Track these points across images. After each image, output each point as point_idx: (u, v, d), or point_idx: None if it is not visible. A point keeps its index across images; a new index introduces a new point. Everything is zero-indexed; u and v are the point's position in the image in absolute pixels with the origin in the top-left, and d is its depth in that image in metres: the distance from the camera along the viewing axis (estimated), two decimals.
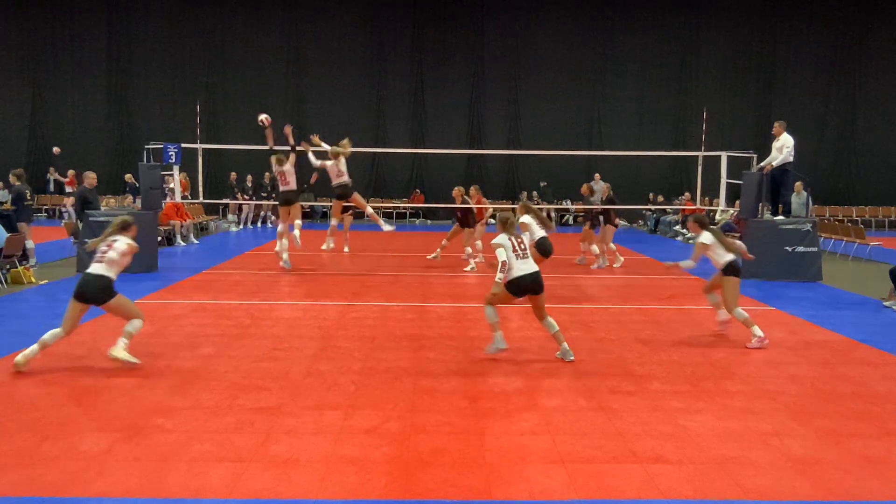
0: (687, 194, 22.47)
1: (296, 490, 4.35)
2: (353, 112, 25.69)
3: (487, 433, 5.27)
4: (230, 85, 25.56)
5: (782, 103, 25.21)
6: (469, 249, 13.78)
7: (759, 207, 13.13)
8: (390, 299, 10.41)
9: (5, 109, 25.45)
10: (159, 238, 15.15)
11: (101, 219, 12.40)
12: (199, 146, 15.65)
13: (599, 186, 22.07)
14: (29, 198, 13.03)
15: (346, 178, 13.17)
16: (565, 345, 7.28)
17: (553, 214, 25.21)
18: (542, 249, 10.28)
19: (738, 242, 8.54)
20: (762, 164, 13.25)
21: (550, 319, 7.26)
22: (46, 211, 24.94)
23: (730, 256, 7.98)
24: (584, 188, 14.73)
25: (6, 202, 12.66)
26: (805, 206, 15.61)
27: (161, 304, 9.80)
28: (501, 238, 7.14)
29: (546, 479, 4.54)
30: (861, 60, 25.62)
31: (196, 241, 17.80)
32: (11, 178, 13.18)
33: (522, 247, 7.18)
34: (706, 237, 8.02)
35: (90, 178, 13.35)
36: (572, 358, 7.21)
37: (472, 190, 14.37)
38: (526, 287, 7.06)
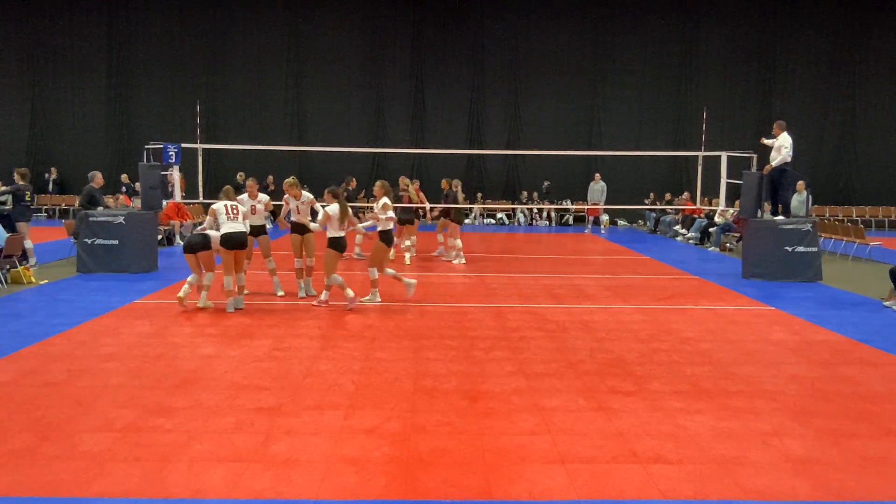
0: (686, 194, 22.47)
1: (296, 490, 4.35)
2: (353, 112, 25.70)
3: (487, 433, 5.27)
4: (230, 85, 25.55)
5: (782, 103, 25.20)
6: (408, 242, 14.33)
7: (760, 207, 13.14)
8: (390, 299, 10.41)
9: (5, 109, 25.45)
10: (159, 238, 15.15)
11: (101, 219, 12.43)
12: (199, 146, 15.65)
13: (600, 186, 22.17)
14: (28, 198, 13.03)
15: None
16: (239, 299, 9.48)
17: (553, 214, 25.26)
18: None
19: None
20: (765, 143, 13.26)
21: (242, 274, 9.71)
22: (46, 211, 24.94)
23: (336, 233, 9.54)
24: (444, 184, 14.77)
25: (6, 201, 12.66)
26: (804, 205, 15.61)
27: (161, 304, 9.80)
28: (217, 204, 9.45)
29: (546, 479, 4.54)
30: (861, 60, 25.61)
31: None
32: (16, 177, 13.20)
33: (235, 212, 9.41)
34: (332, 209, 9.53)
35: (98, 178, 13.39)
36: (242, 306, 9.40)
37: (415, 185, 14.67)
38: (233, 242, 9.27)
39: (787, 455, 4.96)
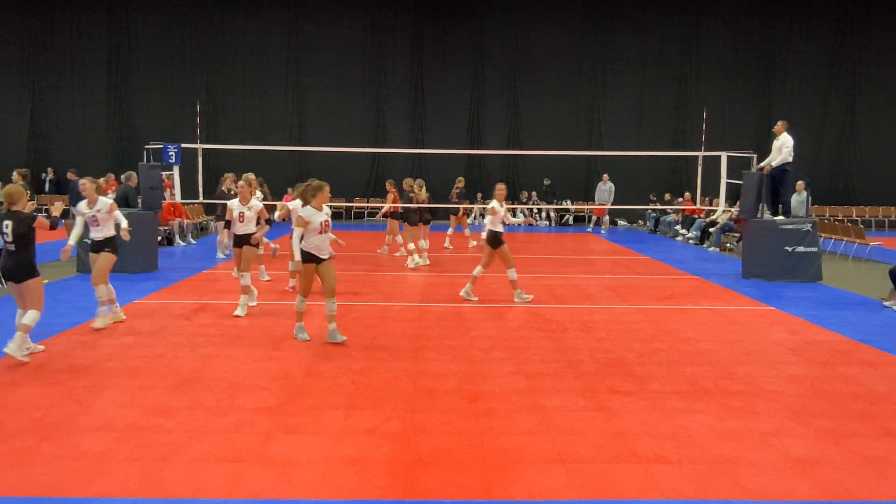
0: (687, 194, 22.46)
1: (296, 490, 4.35)
2: (353, 112, 25.69)
3: (487, 433, 5.27)
4: (230, 85, 25.55)
5: (782, 103, 25.20)
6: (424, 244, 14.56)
7: (760, 207, 13.13)
8: (390, 299, 10.40)
9: (5, 109, 25.44)
10: (159, 238, 15.15)
11: None
12: (199, 146, 15.65)
13: (608, 186, 22.17)
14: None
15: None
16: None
17: (553, 214, 25.25)
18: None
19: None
20: (761, 164, 13.26)
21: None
22: (46, 211, 24.91)
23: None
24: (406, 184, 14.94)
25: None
26: (804, 205, 15.61)
27: (161, 304, 9.80)
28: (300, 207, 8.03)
29: (546, 479, 4.54)
30: (861, 60, 25.61)
31: (194, 242, 17.75)
32: (14, 177, 13.21)
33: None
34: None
35: (134, 178, 13.49)
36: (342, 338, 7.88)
37: (389, 185, 14.79)
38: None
39: (787, 455, 4.96)
